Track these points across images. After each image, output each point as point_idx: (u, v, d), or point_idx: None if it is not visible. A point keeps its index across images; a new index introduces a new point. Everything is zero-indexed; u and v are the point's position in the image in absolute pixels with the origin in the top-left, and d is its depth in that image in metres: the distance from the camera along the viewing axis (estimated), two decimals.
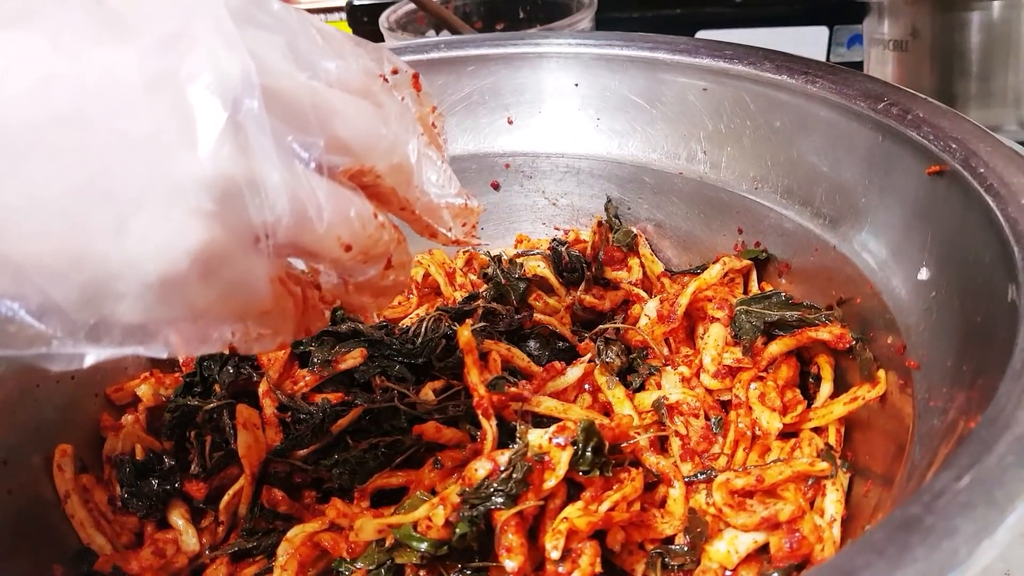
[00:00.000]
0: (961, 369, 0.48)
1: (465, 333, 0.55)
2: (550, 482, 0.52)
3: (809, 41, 1.59)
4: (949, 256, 0.55)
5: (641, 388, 0.70)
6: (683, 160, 0.80)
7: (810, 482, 0.58)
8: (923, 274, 0.57)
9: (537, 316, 0.79)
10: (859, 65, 1.42)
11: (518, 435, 0.55)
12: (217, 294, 0.35)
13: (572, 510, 0.52)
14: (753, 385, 0.65)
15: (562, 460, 0.52)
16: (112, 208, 0.32)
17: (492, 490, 0.51)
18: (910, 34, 1.05)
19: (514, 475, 0.51)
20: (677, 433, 0.63)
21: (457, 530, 0.50)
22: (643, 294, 0.77)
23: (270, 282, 0.37)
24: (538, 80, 0.86)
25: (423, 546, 0.51)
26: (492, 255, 0.85)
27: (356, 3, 1.51)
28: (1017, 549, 0.59)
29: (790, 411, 0.63)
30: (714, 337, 0.67)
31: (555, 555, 0.49)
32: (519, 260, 0.81)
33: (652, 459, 0.60)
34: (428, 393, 0.68)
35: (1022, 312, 0.43)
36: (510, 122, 0.87)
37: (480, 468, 0.51)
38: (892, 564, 0.30)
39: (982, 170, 0.53)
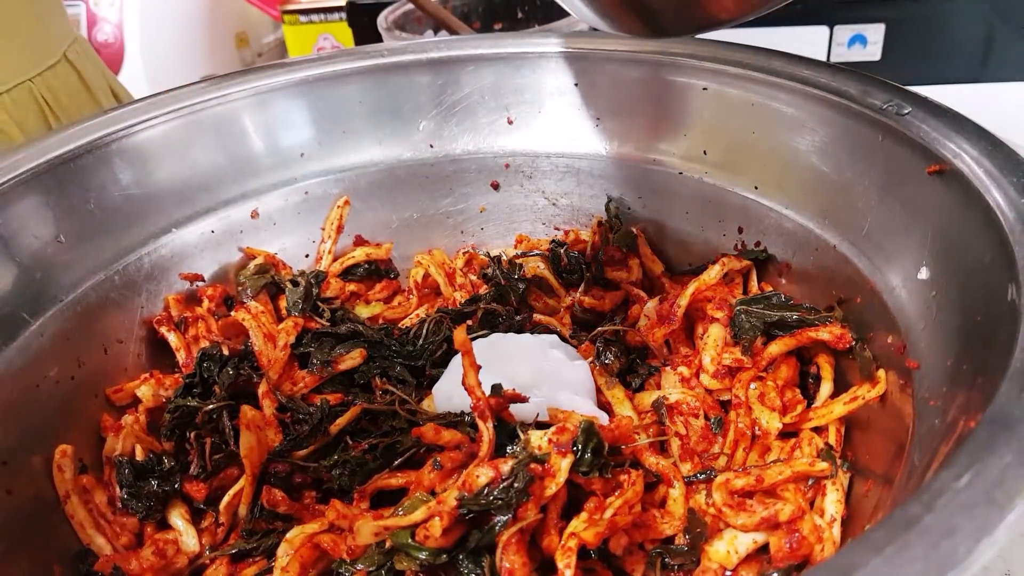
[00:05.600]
0: (961, 369, 0.48)
1: (460, 334, 0.54)
2: (551, 489, 0.52)
3: (809, 41, 1.59)
4: (949, 256, 0.55)
5: (640, 388, 0.70)
6: (683, 160, 0.80)
7: (810, 482, 0.58)
8: (923, 274, 0.57)
9: (537, 317, 0.79)
10: (859, 65, 1.42)
11: (520, 441, 0.55)
12: None
13: (577, 523, 0.52)
14: (753, 385, 0.65)
15: (562, 467, 0.52)
16: None
17: (492, 497, 0.50)
18: None
19: (515, 484, 0.50)
20: (677, 433, 0.63)
21: None
22: (643, 294, 0.77)
23: None
24: (538, 80, 0.86)
25: (422, 555, 0.51)
26: (492, 255, 0.85)
27: (356, 3, 1.51)
28: (1017, 549, 0.59)
29: (790, 411, 0.63)
30: (713, 337, 0.67)
31: (568, 573, 0.49)
32: (519, 261, 0.81)
33: (652, 459, 0.60)
34: (429, 404, 0.68)
35: (1022, 312, 0.43)
36: (510, 122, 0.87)
37: (482, 475, 0.51)
38: (891, 563, 0.30)
39: (981, 169, 0.53)
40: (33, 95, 0.98)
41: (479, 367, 0.55)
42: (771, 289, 0.72)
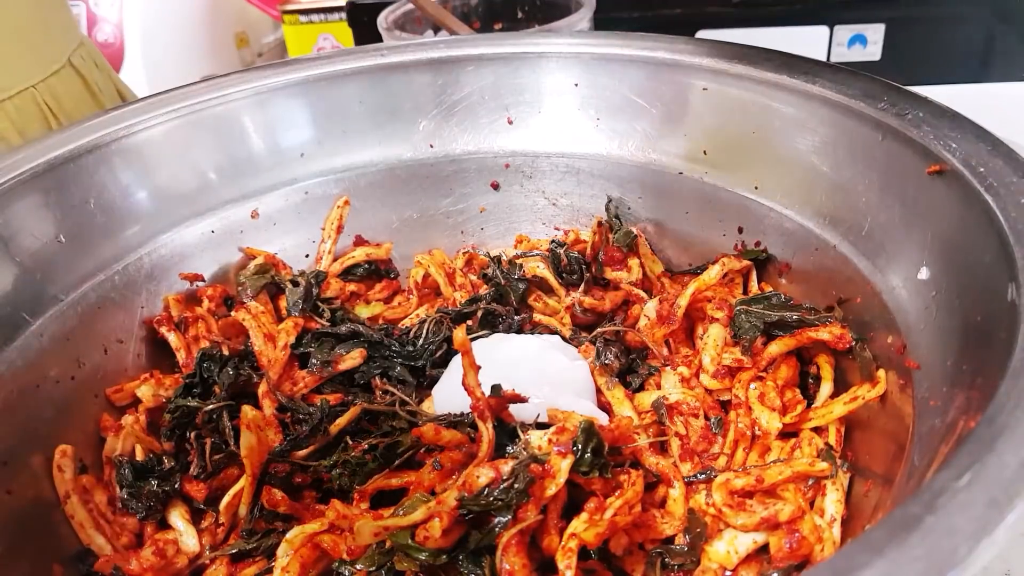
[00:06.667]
0: (961, 369, 0.48)
1: (460, 334, 0.54)
2: (551, 490, 0.52)
3: (809, 41, 1.59)
4: (949, 256, 0.55)
5: (640, 388, 0.70)
6: (683, 160, 0.80)
7: (810, 482, 0.58)
8: (923, 274, 0.57)
9: (537, 317, 0.79)
10: (859, 65, 1.42)
11: (520, 442, 0.55)
12: None
13: (578, 524, 0.52)
14: (753, 385, 0.65)
15: (562, 468, 0.52)
16: None
17: (492, 498, 0.50)
18: None
19: (516, 485, 0.50)
20: (677, 433, 0.63)
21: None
22: (643, 294, 0.77)
23: None
24: (538, 80, 0.86)
25: (422, 555, 0.51)
26: (492, 256, 0.84)
27: (356, 3, 1.51)
28: (1017, 549, 0.59)
29: (790, 411, 0.63)
30: (713, 337, 0.67)
31: (569, 574, 0.49)
32: (519, 261, 0.81)
33: (652, 459, 0.60)
34: (429, 404, 0.68)
35: (1022, 312, 0.43)
36: (510, 122, 0.87)
37: (482, 475, 0.51)
38: (891, 563, 0.30)
39: (982, 169, 0.53)
40: (36, 101, 0.97)
41: (479, 367, 0.55)
42: (771, 289, 0.72)
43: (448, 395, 0.66)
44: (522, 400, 0.57)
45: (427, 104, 0.87)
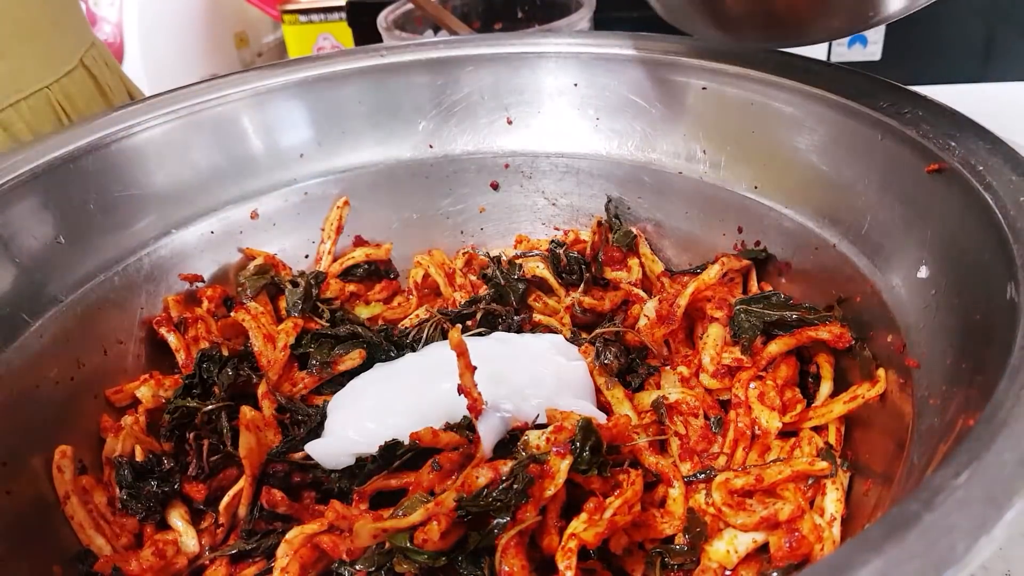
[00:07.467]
0: (960, 367, 0.48)
1: (455, 335, 0.54)
2: (550, 490, 0.52)
3: None
4: (948, 254, 0.55)
5: (640, 388, 0.70)
6: (683, 160, 0.80)
7: (810, 481, 0.58)
8: (922, 272, 0.57)
9: (536, 317, 0.79)
10: (859, 65, 1.42)
11: (520, 444, 0.55)
12: None
13: (578, 524, 0.52)
14: (752, 384, 0.64)
15: (561, 468, 0.52)
16: None
17: (491, 499, 0.50)
18: None
19: (515, 486, 0.50)
20: (676, 433, 0.63)
21: None
22: (643, 294, 0.77)
23: None
24: (537, 80, 0.86)
25: (421, 557, 0.51)
26: (492, 256, 0.85)
27: (356, 3, 1.51)
28: (1017, 548, 0.59)
29: (789, 410, 0.63)
30: (713, 337, 0.67)
31: (569, 574, 0.49)
32: (518, 261, 0.81)
33: (651, 459, 0.60)
34: None
35: (1021, 310, 0.43)
36: (509, 122, 0.87)
37: (481, 476, 0.51)
38: (890, 561, 0.30)
39: (981, 168, 0.53)
40: (50, 102, 0.97)
41: (475, 368, 0.55)
42: (771, 288, 0.72)
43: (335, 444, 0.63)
44: (526, 428, 0.57)
45: (426, 104, 0.87)
